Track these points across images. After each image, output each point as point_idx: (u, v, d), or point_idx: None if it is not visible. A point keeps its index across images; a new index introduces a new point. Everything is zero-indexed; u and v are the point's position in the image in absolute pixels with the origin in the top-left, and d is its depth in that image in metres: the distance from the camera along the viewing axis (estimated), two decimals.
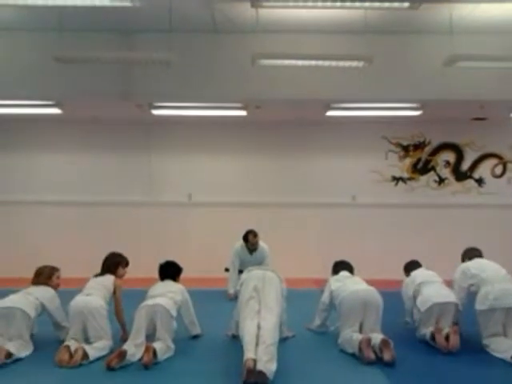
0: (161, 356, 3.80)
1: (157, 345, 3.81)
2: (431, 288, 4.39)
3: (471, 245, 4.90)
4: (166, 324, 3.94)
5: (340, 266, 4.79)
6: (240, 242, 6.26)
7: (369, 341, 3.87)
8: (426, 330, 4.21)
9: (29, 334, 3.99)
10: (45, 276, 4.32)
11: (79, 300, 4.06)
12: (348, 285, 4.35)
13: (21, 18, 5.80)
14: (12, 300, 4.05)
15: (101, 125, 7.65)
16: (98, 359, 3.81)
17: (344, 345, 4.08)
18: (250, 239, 6.16)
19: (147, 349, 3.71)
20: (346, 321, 4.14)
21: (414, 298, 4.44)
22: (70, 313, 4.02)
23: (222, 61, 6.18)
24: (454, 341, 3.98)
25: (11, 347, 3.75)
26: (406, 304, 4.63)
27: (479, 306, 4.12)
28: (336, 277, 4.62)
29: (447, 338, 4.04)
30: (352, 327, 4.08)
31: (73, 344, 3.82)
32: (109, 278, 4.32)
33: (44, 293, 4.19)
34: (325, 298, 4.56)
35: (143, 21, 5.81)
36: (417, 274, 4.68)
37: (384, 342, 3.82)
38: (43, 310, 4.14)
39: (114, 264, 4.45)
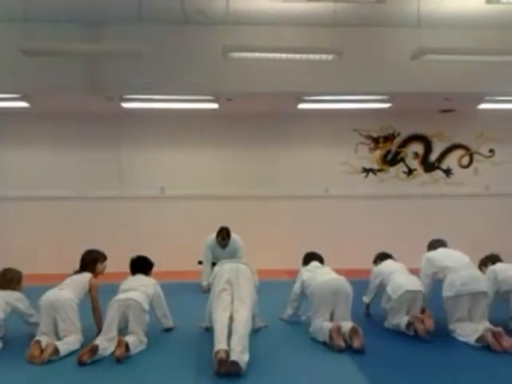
0: (133, 349, 3.80)
1: (129, 338, 3.81)
2: (402, 276, 4.52)
3: (439, 233, 5.05)
4: (138, 318, 3.94)
5: (310, 257, 4.87)
6: (212, 235, 6.27)
7: (339, 329, 3.95)
8: (400, 320, 4.28)
9: None
10: (15, 282, 4.26)
11: (50, 294, 4.04)
12: (318, 275, 4.44)
13: None
14: None
15: (70, 118, 7.49)
16: (69, 354, 3.78)
17: (315, 333, 4.16)
18: (218, 240, 6.18)
19: (119, 342, 3.71)
20: (317, 310, 4.21)
21: (383, 286, 4.56)
22: (41, 307, 3.98)
23: (193, 53, 6.13)
24: (430, 323, 4.12)
25: None
26: (369, 289, 4.80)
27: (446, 292, 4.25)
28: (307, 267, 4.71)
29: (422, 321, 4.15)
30: (323, 316, 4.16)
31: (44, 339, 3.78)
32: (84, 276, 4.30)
33: (11, 294, 4.16)
34: (296, 288, 4.64)
35: (112, 11, 5.71)
36: (387, 263, 4.82)
37: (353, 330, 3.91)
38: (13, 311, 4.11)
39: (92, 261, 4.42)
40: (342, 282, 4.30)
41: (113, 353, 3.70)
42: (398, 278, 4.49)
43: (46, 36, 5.70)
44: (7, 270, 4.31)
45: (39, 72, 5.98)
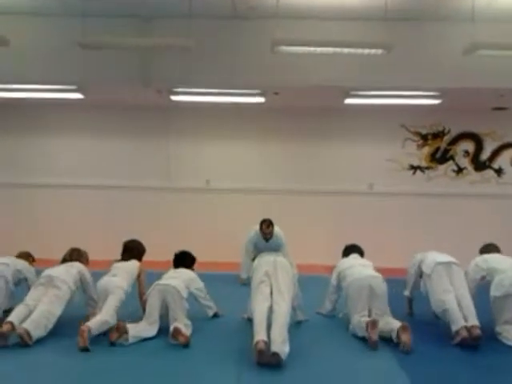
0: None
1: (178, 324, 3.96)
2: (435, 253, 4.49)
3: (490, 234, 4.92)
4: (177, 303, 4.09)
5: (351, 249, 4.87)
6: (256, 228, 6.30)
7: (375, 323, 3.92)
8: (446, 297, 4.10)
9: None
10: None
11: (105, 280, 4.29)
12: (355, 268, 4.44)
13: (44, 4, 5.89)
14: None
15: (120, 110, 7.74)
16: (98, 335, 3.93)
17: (354, 329, 4.15)
18: (263, 229, 6.18)
19: (177, 331, 3.86)
20: (355, 306, 4.21)
21: (420, 272, 4.51)
22: (97, 291, 4.27)
23: (242, 47, 6.19)
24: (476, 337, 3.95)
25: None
26: (407, 280, 4.71)
27: (494, 292, 4.16)
28: (345, 259, 4.71)
29: (470, 330, 3.99)
30: (361, 312, 4.15)
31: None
32: (134, 263, 4.55)
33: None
34: (333, 279, 4.68)
35: (164, 7, 5.84)
36: (425, 254, 4.72)
37: (403, 327, 3.88)
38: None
39: (142, 252, 4.73)
40: (377, 279, 4.29)
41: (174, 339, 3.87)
42: (431, 255, 4.46)
43: (102, 30, 5.89)
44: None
45: (94, 65, 6.21)
